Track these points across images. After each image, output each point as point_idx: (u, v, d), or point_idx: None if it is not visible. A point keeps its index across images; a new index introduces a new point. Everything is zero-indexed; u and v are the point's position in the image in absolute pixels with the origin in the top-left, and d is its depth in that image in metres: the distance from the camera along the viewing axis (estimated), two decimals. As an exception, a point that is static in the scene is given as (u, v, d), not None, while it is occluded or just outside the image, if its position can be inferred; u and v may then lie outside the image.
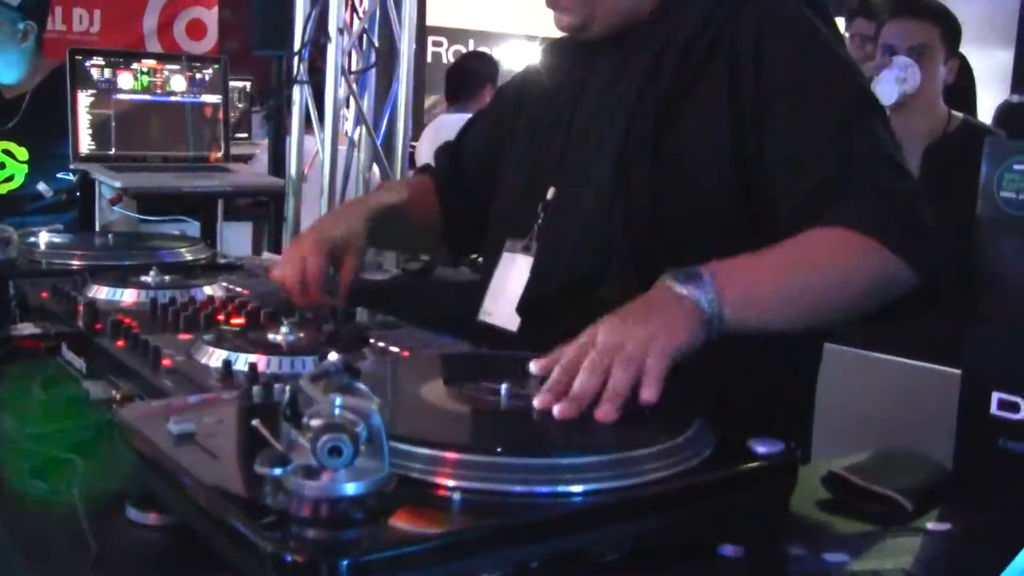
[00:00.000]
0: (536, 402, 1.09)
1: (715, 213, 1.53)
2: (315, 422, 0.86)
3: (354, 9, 3.29)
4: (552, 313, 1.56)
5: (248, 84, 5.48)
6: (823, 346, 1.74)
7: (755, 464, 1.04)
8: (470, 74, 4.99)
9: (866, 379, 2.15)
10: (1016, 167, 1.28)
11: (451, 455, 0.94)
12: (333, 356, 1.20)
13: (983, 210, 1.31)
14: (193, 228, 3.25)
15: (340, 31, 2.99)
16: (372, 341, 1.49)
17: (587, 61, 1.73)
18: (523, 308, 1.64)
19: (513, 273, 1.70)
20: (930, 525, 1.18)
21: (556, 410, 1.07)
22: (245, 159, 4.59)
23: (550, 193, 1.68)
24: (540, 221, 1.68)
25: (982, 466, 1.31)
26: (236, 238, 3.99)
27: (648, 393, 1.12)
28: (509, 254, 1.72)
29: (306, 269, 1.68)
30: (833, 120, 1.48)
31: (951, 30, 3.26)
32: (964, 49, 4.45)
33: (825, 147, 1.47)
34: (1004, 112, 4.41)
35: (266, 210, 3.49)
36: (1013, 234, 1.28)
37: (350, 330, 1.56)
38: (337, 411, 0.86)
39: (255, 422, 0.93)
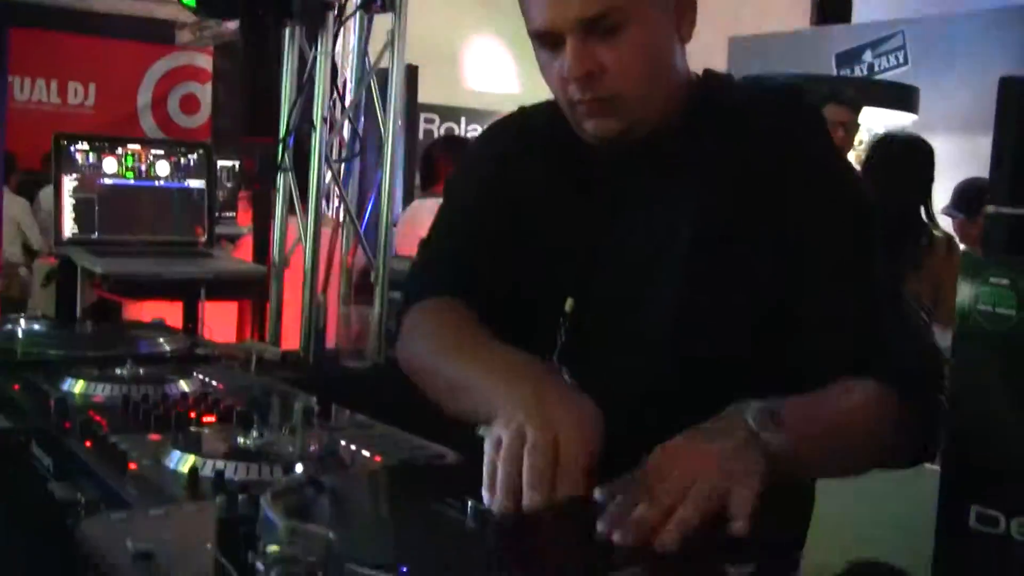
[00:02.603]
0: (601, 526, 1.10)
1: (762, 350, 1.49)
2: (270, 549, 0.84)
3: (340, 98, 3.30)
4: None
5: (237, 164, 5.49)
6: None
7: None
8: (436, 161, 5.12)
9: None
10: (992, 281, 1.27)
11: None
12: (299, 468, 1.19)
13: (961, 325, 1.30)
14: (176, 309, 3.23)
15: (324, 120, 3.00)
16: (344, 444, 1.47)
17: (602, 174, 1.60)
18: None
19: None
20: (905, 648, 1.15)
21: (618, 537, 1.08)
22: (233, 239, 4.59)
23: (568, 304, 1.56)
24: (562, 339, 1.55)
25: (961, 583, 1.29)
26: (220, 319, 3.96)
27: (739, 526, 1.13)
28: None
29: None
30: (870, 279, 1.51)
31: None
32: (950, 137, 4.53)
33: (865, 307, 1.48)
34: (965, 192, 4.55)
35: (251, 291, 3.47)
36: (990, 348, 1.28)
37: (322, 433, 1.53)
38: (292, 541, 0.84)
39: (210, 546, 0.90)
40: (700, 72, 1.63)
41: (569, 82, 1.48)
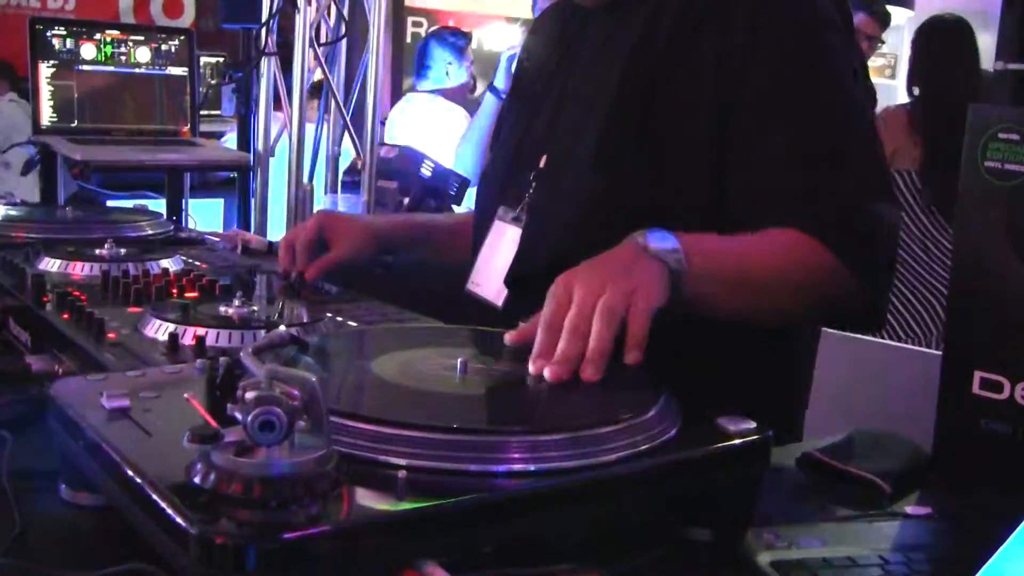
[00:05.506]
0: (531, 368, 1.07)
1: (700, 195, 1.45)
2: (249, 395, 0.79)
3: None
4: (539, 288, 1.35)
5: (221, 59, 5.36)
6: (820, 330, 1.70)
7: (723, 444, 0.98)
8: (429, 55, 5.05)
9: (850, 361, 2.10)
10: (1001, 135, 1.23)
11: (398, 432, 0.87)
12: (282, 329, 1.15)
13: (966, 180, 1.26)
14: (160, 204, 3.18)
15: (308, 2, 2.92)
16: (329, 315, 1.43)
17: (578, 27, 1.66)
18: (510, 282, 1.57)
19: (502, 244, 1.63)
20: (909, 509, 1.13)
21: (547, 374, 1.05)
22: (216, 136, 4.52)
23: (542, 162, 1.60)
24: (531, 191, 1.60)
25: (963, 448, 1.26)
26: (206, 214, 3.92)
27: (634, 355, 1.10)
28: (500, 223, 1.65)
29: (297, 236, 1.76)
30: (819, 122, 1.42)
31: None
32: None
33: (801, 149, 1.41)
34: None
35: (237, 185, 3.41)
36: (997, 204, 1.23)
37: (307, 304, 1.49)
38: (273, 384, 0.80)
39: (187, 395, 0.86)
40: None
41: None
